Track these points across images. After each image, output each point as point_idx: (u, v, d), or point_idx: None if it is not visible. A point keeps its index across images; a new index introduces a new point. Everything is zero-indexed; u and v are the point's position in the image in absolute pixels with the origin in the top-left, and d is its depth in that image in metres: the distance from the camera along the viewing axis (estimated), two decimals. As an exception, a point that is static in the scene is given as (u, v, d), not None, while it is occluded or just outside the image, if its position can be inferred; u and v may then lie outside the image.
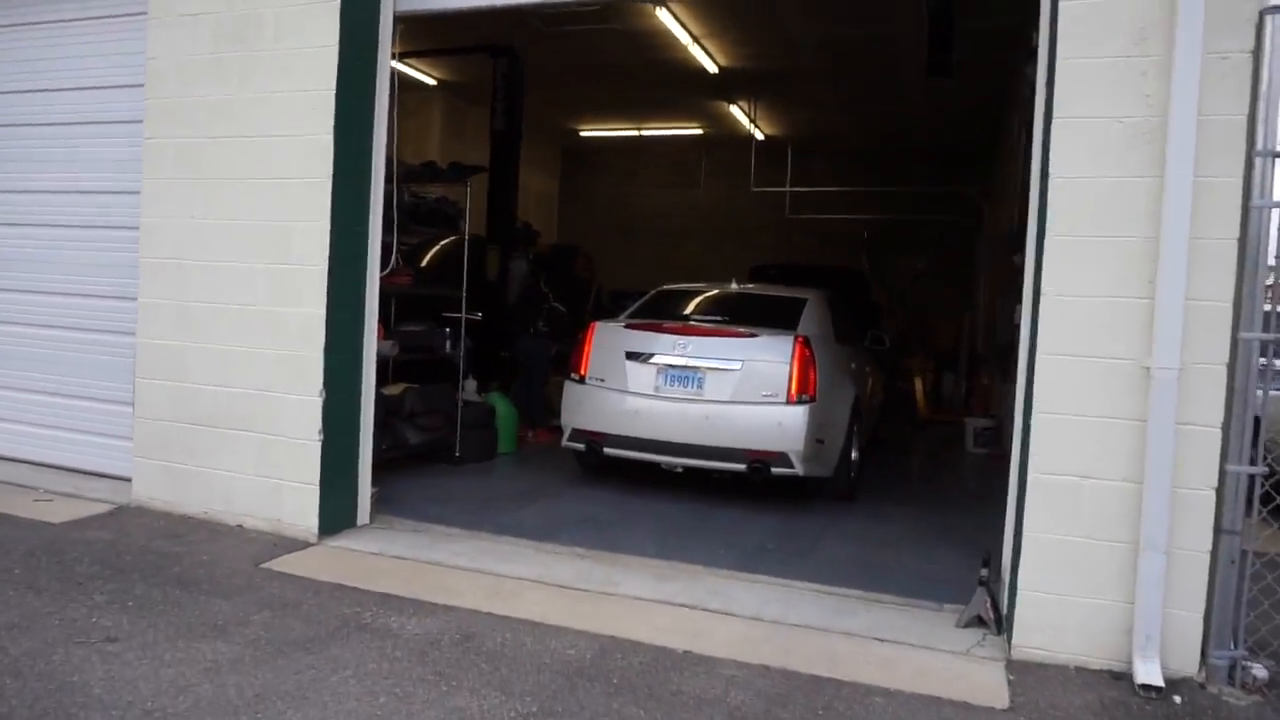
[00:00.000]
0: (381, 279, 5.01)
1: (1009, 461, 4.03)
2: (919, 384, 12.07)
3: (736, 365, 5.65)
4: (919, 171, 16.74)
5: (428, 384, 6.55)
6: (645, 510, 5.69)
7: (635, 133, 16.85)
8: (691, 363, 5.72)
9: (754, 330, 5.82)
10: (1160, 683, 3.27)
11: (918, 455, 9.36)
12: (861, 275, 12.05)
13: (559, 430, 9.03)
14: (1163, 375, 3.34)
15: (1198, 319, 3.33)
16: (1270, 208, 3.29)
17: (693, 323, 6.03)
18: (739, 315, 6.30)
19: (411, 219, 5.72)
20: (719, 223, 18.39)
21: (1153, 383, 3.36)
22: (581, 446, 5.98)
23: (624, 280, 15.29)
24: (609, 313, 13.07)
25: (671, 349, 5.78)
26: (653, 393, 5.78)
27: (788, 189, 17.08)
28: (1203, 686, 3.35)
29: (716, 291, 6.89)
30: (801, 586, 4.32)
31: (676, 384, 5.74)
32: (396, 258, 5.29)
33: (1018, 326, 4.17)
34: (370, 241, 4.93)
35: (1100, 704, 3.21)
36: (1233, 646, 3.36)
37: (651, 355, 5.83)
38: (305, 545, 4.61)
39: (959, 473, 8.24)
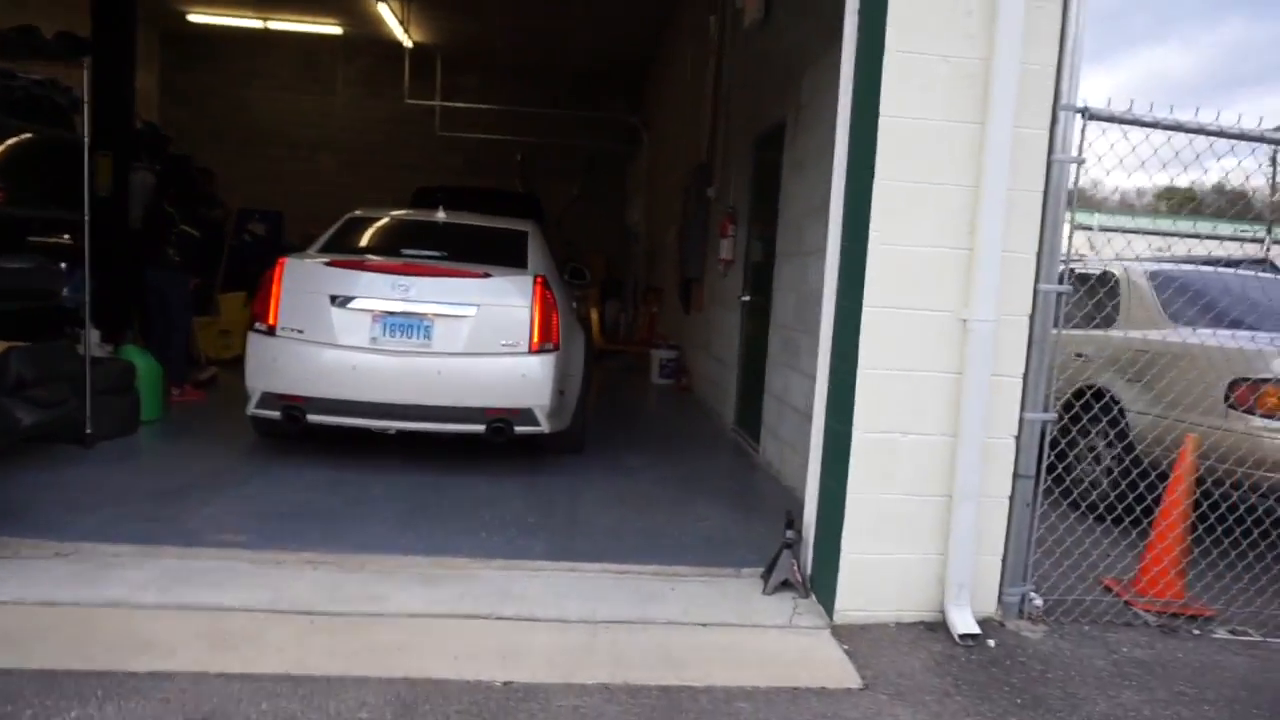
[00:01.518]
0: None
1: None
2: (594, 315, 12.00)
3: (470, 311, 4.85)
4: (574, 94, 16.49)
5: (37, 340, 4.78)
6: (367, 488, 4.73)
7: (259, 23, 14.32)
8: (417, 308, 4.80)
9: (487, 269, 5.03)
10: (975, 629, 3.34)
11: (609, 391, 9.24)
12: (537, 202, 11.50)
13: (209, 384, 7.48)
14: (980, 328, 3.31)
15: (1007, 271, 3.34)
16: (1070, 163, 3.36)
17: (412, 259, 5.05)
18: (456, 250, 5.44)
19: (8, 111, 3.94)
20: (359, 137, 16.58)
21: (970, 335, 3.32)
22: (276, 414, 4.78)
23: (246, 199, 13.14)
24: (250, 245, 11.07)
25: (391, 292, 4.79)
26: (369, 345, 4.77)
27: (438, 103, 15.84)
28: (1001, 624, 3.50)
29: (421, 220, 5.91)
30: (591, 569, 3.80)
31: (399, 334, 4.79)
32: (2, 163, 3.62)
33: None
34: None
35: (934, 661, 3.18)
36: (1023, 582, 3.54)
37: (365, 300, 4.79)
38: (-128, 606, 3.04)
39: (661, 409, 8.26)
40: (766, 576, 3.77)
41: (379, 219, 5.95)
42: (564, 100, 16.37)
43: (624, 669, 2.97)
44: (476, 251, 5.47)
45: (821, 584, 3.62)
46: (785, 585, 3.72)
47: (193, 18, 14.02)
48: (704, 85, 8.88)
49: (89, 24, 6.93)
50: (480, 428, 4.85)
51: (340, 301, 4.77)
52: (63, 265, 4.90)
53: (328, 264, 4.85)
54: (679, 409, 8.25)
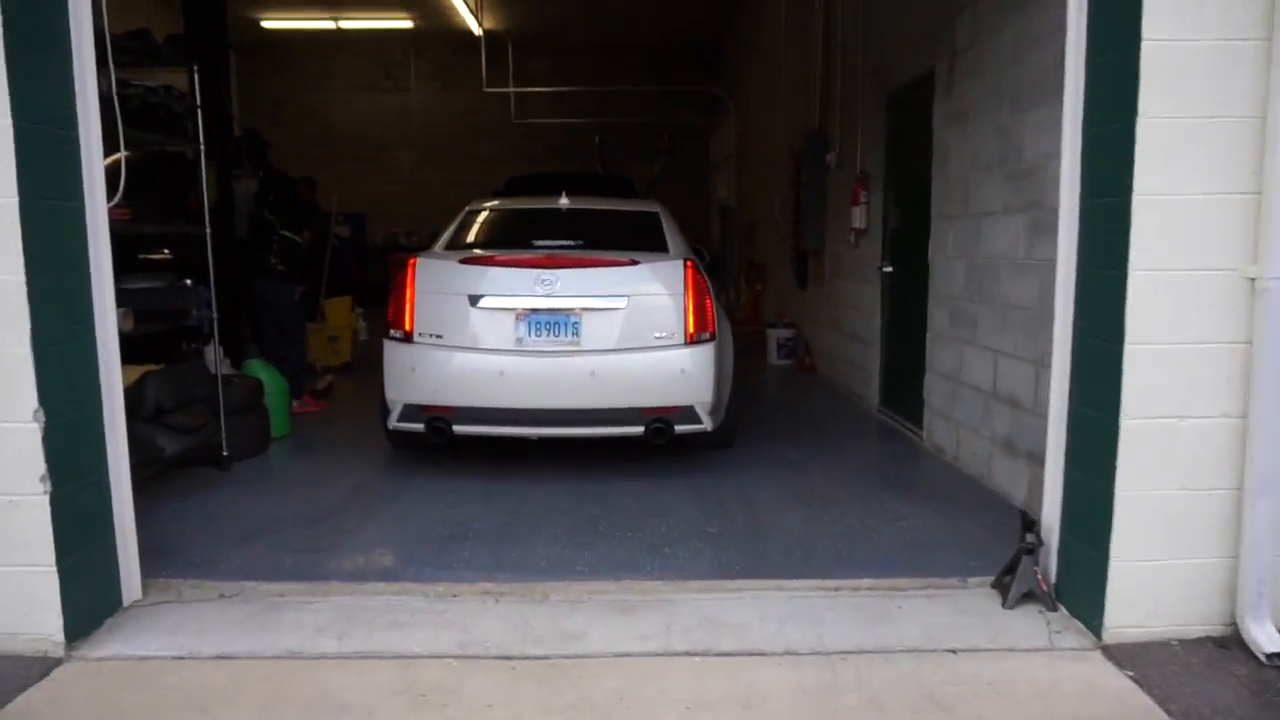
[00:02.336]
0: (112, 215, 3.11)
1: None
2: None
3: (620, 303, 4.45)
4: (649, 71, 16.00)
5: (173, 363, 4.55)
6: (523, 499, 4.38)
7: (331, 24, 14.22)
8: (563, 304, 4.41)
9: (632, 256, 4.61)
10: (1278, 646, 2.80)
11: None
12: (631, 184, 11.07)
13: (327, 393, 7.28)
14: (1274, 286, 2.75)
15: (1303, 216, 2.76)
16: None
17: (550, 250, 4.67)
18: (590, 238, 5.05)
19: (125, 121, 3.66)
20: (435, 131, 16.43)
21: (1262, 296, 2.76)
22: (420, 427, 4.46)
23: (326, 202, 13.02)
24: (336, 248, 10.89)
25: (534, 287, 4.41)
26: (515, 347, 4.40)
27: (513, 89, 15.51)
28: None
29: (545, 207, 5.52)
30: (800, 586, 3.37)
31: (545, 333, 4.41)
32: (125, 179, 3.33)
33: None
34: (85, 153, 2.99)
35: (1247, 690, 2.66)
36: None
37: (507, 298, 4.42)
38: (45, 666, 2.79)
39: (789, 392, 7.77)
40: (1002, 587, 3.29)
41: (500, 210, 5.60)
42: (640, 78, 15.89)
43: (884, 714, 2.54)
44: (611, 238, 5.08)
45: (1075, 595, 3.12)
46: (1028, 597, 3.23)
47: (267, 24, 13.94)
48: (810, 46, 8.29)
49: (177, 28, 6.74)
50: (638, 430, 4.45)
51: (480, 301, 4.41)
52: (188, 282, 4.65)
53: (463, 262, 4.49)
54: (808, 391, 7.74)
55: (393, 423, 4.50)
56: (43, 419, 2.77)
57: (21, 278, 2.72)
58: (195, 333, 5.12)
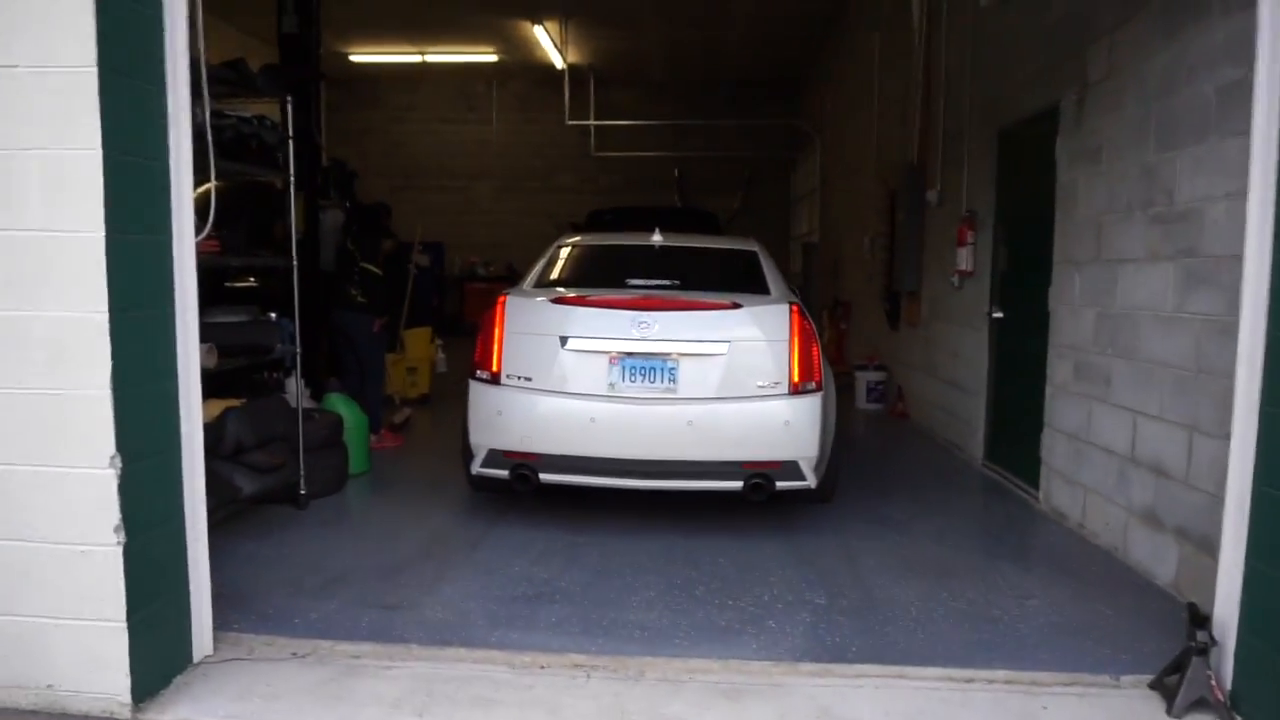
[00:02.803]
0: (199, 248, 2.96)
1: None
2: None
3: (722, 349, 4.16)
4: (731, 104, 15.81)
5: (253, 397, 4.42)
6: (610, 556, 4.09)
7: (417, 57, 14.42)
8: (660, 348, 4.14)
9: (734, 299, 4.33)
10: None
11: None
12: (715, 219, 10.84)
13: (405, 426, 7.15)
14: None
15: None
16: None
17: (646, 291, 4.41)
18: (686, 278, 4.79)
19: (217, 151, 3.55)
20: (515, 162, 16.49)
21: None
22: (504, 474, 4.22)
23: (407, 232, 13.08)
24: (430, 274, 10.84)
25: (630, 329, 4.15)
26: (608, 393, 4.14)
27: (593, 122, 15.48)
28: None
29: (638, 244, 5.28)
30: (927, 676, 2.99)
31: (640, 378, 4.14)
32: (215, 210, 3.19)
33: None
34: (175, 184, 2.85)
35: None
36: None
37: (600, 340, 4.17)
38: (110, 732, 2.59)
39: (882, 440, 7.34)
40: (1164, 689, 2.87)
41: (591, 245, 5.38)
42: (721, 111, 15.72)
43: None
44: (708, 278, 4.80)
45: (1259, 707, 2.67)
46: (1198, 705, 2.79)
47: (355, 57, 14.20)
48: (909, 79, 7.95)
49: (271, 59, 6.77)
50: (736, 485, 4.13)
51: (571, 343, 4.17)
52: (272, 316, 4.54)
53: (554, 301, 4.26)
54: (902, 440, 7.31)
55: (476, 468, 4.27)
56: (119, 465, 2.59)
57: (105, 317, 2.56)
58: (275, 365, 5.02)
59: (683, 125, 15.73)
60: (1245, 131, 3.29)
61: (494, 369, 4.24)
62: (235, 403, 4.22)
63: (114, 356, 2.58)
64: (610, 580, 3.78)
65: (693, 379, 4.12)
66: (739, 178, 16.25)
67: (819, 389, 4.25)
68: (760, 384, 4.14)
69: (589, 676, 2.96)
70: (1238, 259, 3.35)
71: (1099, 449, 4.46)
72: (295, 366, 4.61)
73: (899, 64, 8.46)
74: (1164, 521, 3.87)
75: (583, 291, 4.39)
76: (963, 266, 6.40)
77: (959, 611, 3.54)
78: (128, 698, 2.65)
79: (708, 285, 4.65)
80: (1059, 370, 4.94)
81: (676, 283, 4.69)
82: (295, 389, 4.77)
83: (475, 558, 4.05)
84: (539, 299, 4.31)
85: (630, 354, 4.14)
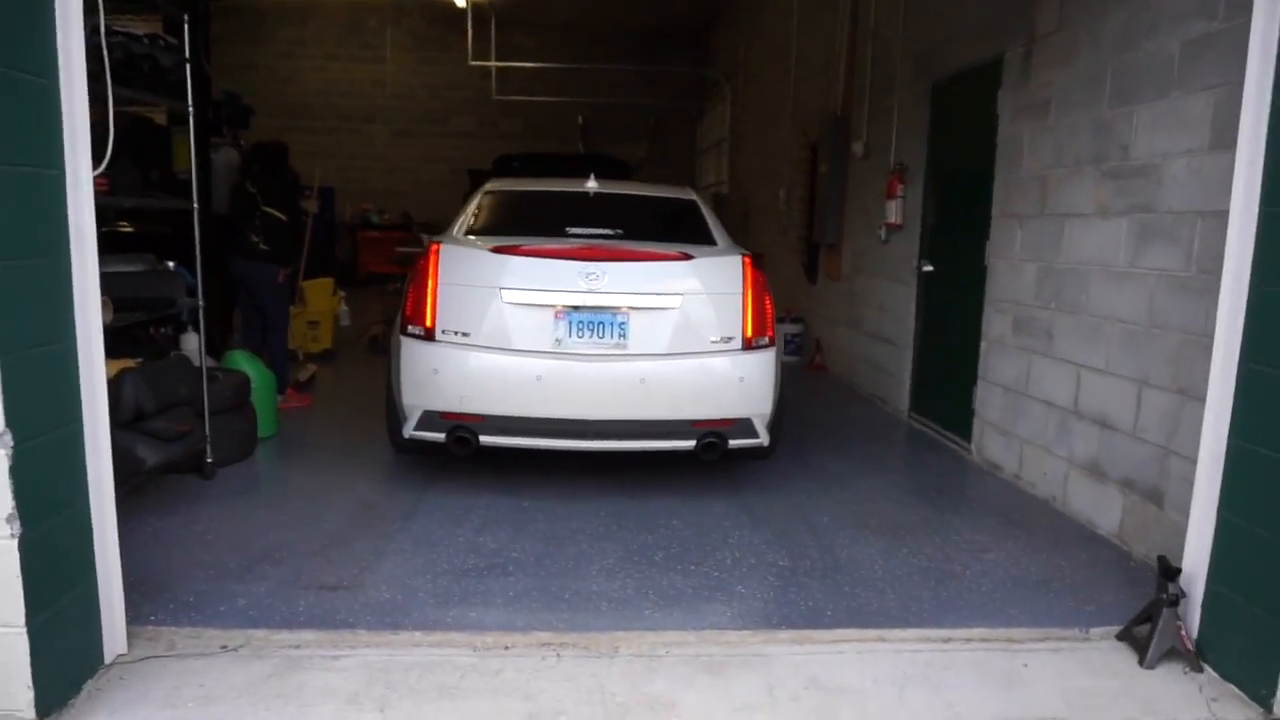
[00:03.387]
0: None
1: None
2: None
3: (674, 302, 3.94)
4: (636, 51, 15.40)
5: (148, 357, 3.93)
6: (559, 522, 3.87)
7: (304, -15, 13.35)
8: (609, 301, 3.89)
9: (684, 249, 4.11)
10: None
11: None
12: (629, 167, 10.52)
13: (309, 384, 6.64)
14: None
15: None
16: None
17: (592, 241, 4.14)
18: (627, 227, 4.54)
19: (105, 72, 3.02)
20: (411, 104, 15.64)
21: None
22: (440, 437, 3.91)
23: (307, 174, 12.25)
24: (321, 221, 10.12)
25: (577, 281, 3.87)
26: (554, 349, 3.87)
27: (494, 63, 14.78)
28: None
29: (572, 192, 4.98)
30: (905, 638, 2.93)
31: (588, 334, 3.89)
32: (114, 139, 2.72)
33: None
34: (68, 107, 2.40)
35: None
36: None
37: (546, 293, 3.88)
38: (12, 751, 2.22)
39: (806, 392, 7.31)
40: (1133, 640, 2.91)
41: (523, 192, 5.05)
42: (626, 57, 15.29)
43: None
44: (650, 228, 4.57)
45: (1230, 657, 2.72)
46: (1169, 653, 2.82)
47: (236, -17, 13.03)
48: (833, 30, 7.82)
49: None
50: (689, 444, 3.96)
51: (514, 296, 3.87)
52: (169, 265, 4.03)
53: (494, 250, 3.93)
54: (825, 393, 7.31)
55: (409, 431, 3.94)
56: (10, 443, 2.18)
57: (-18, 261, 2.13)
58: (167, 320, 4.51)
59: (587, 70, 15.21)
60: (1213, 87, 3.29)
61: (427, 324, 3.90)
62: (130, 363, 3.74)
63: (-1, 312, 2.15)
64: (564, 548, 3.56)
65: (643, 334, 3.90)
66: (644, 126, 15.94)
67: (772, 344, 4.11)
68: (713, 339, 3.96)
69: (559, 656, 2.75)
70: (1199, 214, 3.38)
71: (1038, 402, 4.51)
72: (199, 321, 4.13)
73: (821, 14, 8.32)
74: (1108, 473, 3.93)
75: (520, 241, 4.07)
76: (891, 219, 6.38)
77: (922, 569, 3.50)
78: (31, 712, 2.28)
79: (650, 235, 4.42)
80: (995, 324, 4.97)
81: (619, 232, 4.44)
82: (198, 346, 4.29)
83: (412, 528, 3.75)
84: (476, 248, 3.97)
85: (577, 307, 3.88)
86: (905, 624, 3.02)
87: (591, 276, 3.85)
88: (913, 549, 3.70)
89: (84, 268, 2.49)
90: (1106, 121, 3.96)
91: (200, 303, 4.11)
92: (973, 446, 5.21)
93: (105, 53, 2.75)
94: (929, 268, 5.94)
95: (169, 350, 4.75)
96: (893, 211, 6.35)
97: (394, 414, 4.45)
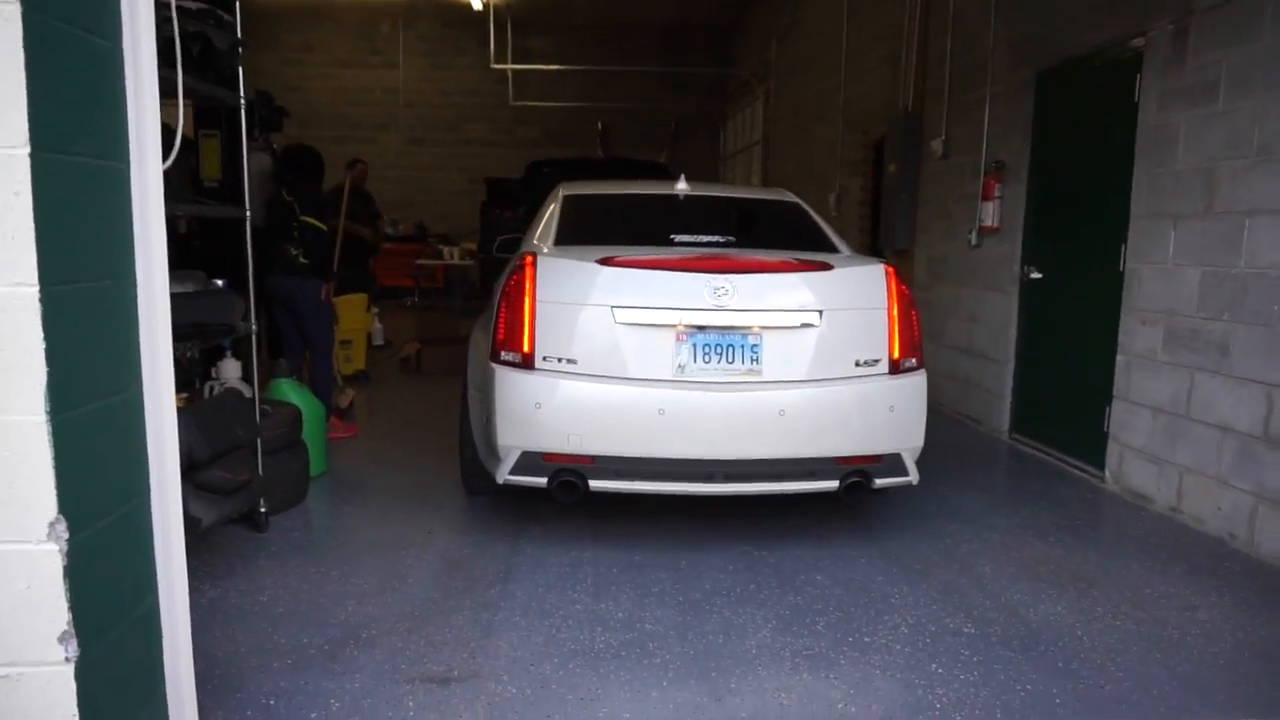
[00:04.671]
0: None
1: None
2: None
3: (813, 318, 3.37)
4: (655, 52, 14.90)
5: (203, 393, 3.34)
6: (685, 582, 3.28)
7: (315, -12, 12.83)
8: (739, 320, 3.32)
9: (824, 259, 3.56)
10: None
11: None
12: (668, 173, 9.99)
13: (349, 412, 6.05)
14: None
15: None
16: None
17: (711, 250, 3.58)
18: (738, 235, 4.02)
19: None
20: (424, 111, 15.12)
21: None
22: (542, 481, 3.33)
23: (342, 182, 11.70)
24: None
25: (701, 297, 3.30)
26: (676, 377, 3.30)
27: (510, 66, 14.26)
28: None
29: (659, 193, 4.43)
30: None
31: (716, 357, 3.32)
32: (181, 132, 2.17)
33: None
34: (134, 84, 1.83)
35: None
36: None
37: (664, 312, 3.31)
38: None
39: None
40: None
41: (606, 195, 4.48)
42: (646, 60, 14.79)
43: None
44: (761, 234, 4.06)
45: None
46: None
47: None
48: (896, 19, 7.29)
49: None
50: (832, 485, 3.39)
51: (629, 316, 3.30)
52: (218, 283, 3.45)
53: (602, 262, 3.36)
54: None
55: (504, 476, 3.36)
56: (65, 535, 1.60)
57: (33, 293, 1.54)
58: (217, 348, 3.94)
59: (606, 73, 14.72)
60: None
61: (525, 349, 3.32)
62: (187, 402, 3.15)
63: (50, 358, 1.57)
64: (706, 617, 2.98)
65: (780, 358, 3.33)
66: (666, 131, 15.39)
67: (920, 366, 3.55)
68: (858, 362, 3.40)
69: (751, 773, 2.17)
70: None
71: (1206, 425, 3.95)
72: (253, 348, 3.55)
73: (881, 5, 7.79)
74: (1320, 512, 3.38)
75: (623, 251, 3.49)
76: (988, 222, 5.83)
77: (1133, 634, 2.93)
78: None
79: (764, 243, 3.88)
80: (1139, 337, 4.41)
81: (731, 239, 3.89)
82: (237, 375, 3.72)
83: (516, 593, 3.16)
84: (579, 260, 3.39)
85: (702, 327, 3.30)
86: (1156, 715, 2.45)
87: (720, 291, 3.28)
88: (1106, 607, 3.13)
89: (152, 291, 1.91)
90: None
91: (253, 326, 3.53)
92: (1107, 474, 4.65)
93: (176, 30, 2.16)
94: (1037, 275, 5.39)
95: (196, 380, 4.15)
96: (989, 214, 5.80)
97: (469, 452, 3.89)
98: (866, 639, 2.86)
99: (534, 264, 3.38)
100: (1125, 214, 4.50)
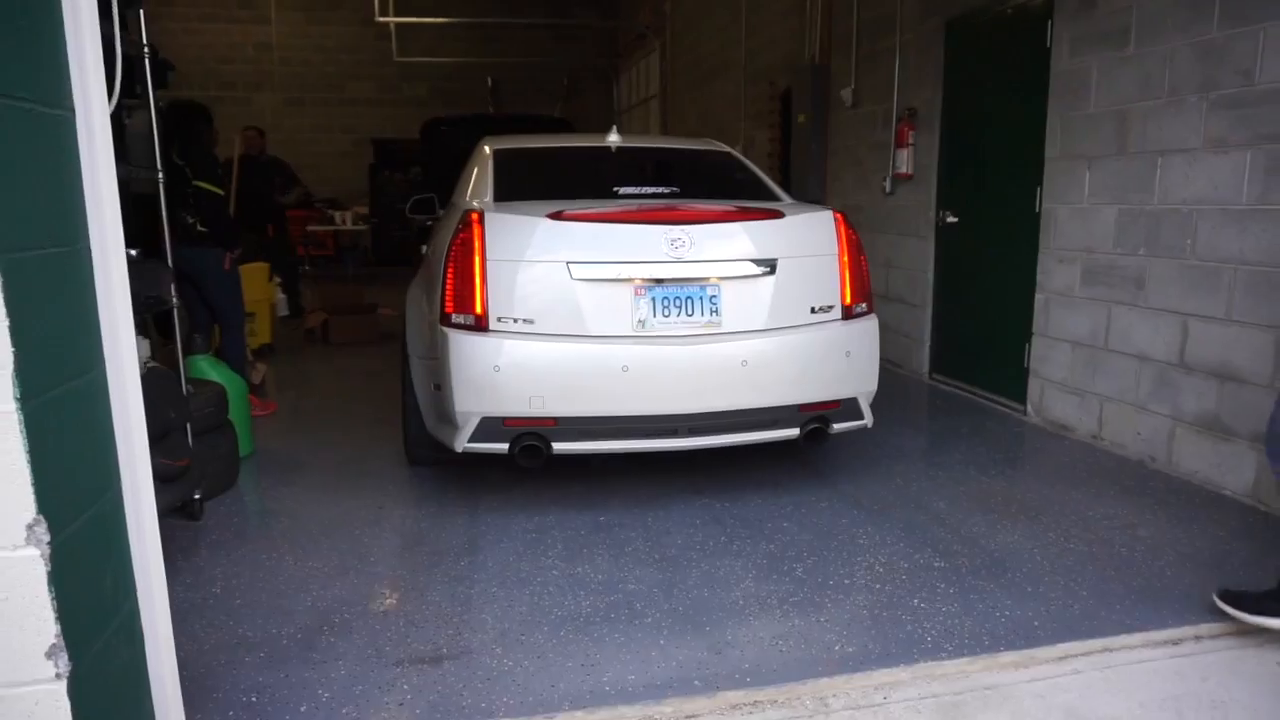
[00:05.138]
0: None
1: None
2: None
3: (766, 268, 3.36)
4: (544, 3, 14.48)
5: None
6: (657, 541, 3.26)
7: (173, -66, 11.83)
8: (697, 271, 3.27)
9: (774, 208, 3.54)
10: None
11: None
12: (572, 127, 9.75)
13: (261, 387, 5.69)
14: None
15: None
16: None
17: (669, 202, 3.51)
18: (680, 185, 3.95)
19: None
20: (302, 69, 14.30)
21: None
22: (502, 447, 3.22)
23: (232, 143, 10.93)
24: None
25: (658, 249, 3.23)
26: (637, 332, 3.23)
27: (393, 19, 13.59)
28: None
29: (590, 146, 4.30)
30: (1132, 645, 2.52)
31: (676, 310, 3.26)
32: (122, 72, 1.93)
33: None
34: (75, 30, 1.61)
35: None
36: None
37: (622, 265, 3.23)
38: None
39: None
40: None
41: (541, 149, 4.32)
42: (534, 12, 14.37)
43: None
44: (701, 184, 3.98)
45: None
46: None
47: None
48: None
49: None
50: (793, 432, 3.42)
51: (585, 271, 3.20)
52: (132, 252, 3.14)
53: (553, 217, 3.23)
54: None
55: (462, 443, 3.23)
56: (46, 538, 1.42)
57: (-8, 260, 1.34)
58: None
59: (495, 26, 14.25)
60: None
61: (477, 310, 3.18)
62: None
63: (15, 337, 1.37)
64: (685, 572, 2.97)
65: (738, 308, 3.31)
66: (558, 86, 15.10)
67: (870, 310, 3.60)
68: (812, 309, 3.41)
69: (767, 718, 2.17)
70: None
71: (1124, 356, 4.18)
72: (174, 324, 3.27)
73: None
74: (1234, 428, 3.63)
75: (569, 205, 3.37)
76: (902, 170, 5.97)
77: (1086, 555, 3.09)
78: None
79: (706, 193, 3.83)
80: (1056, 275, 4.62)
81: (676, 190, 3.83)
82: (176, 356, 3.44)
83: (487, 564, 3.06)
84: (533, 216, 3.25)
85: (660, 280, 3.24)
86: (1124, 628, 2.59)
87: (678, 243, 3.22)
88: (1059, 532, 3.29)
89: (106, 255, 1.71)
90: (1217, 47, 3.60)
91: (175, 300, 3.25)
92: (1029, 407, 4.88)
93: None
94: (952, 219, 5.56)
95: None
96: (903, 161, 5.93)
97: (414, 421, 3.73)
98: (846, 580, 2.91)
99: (481, 221, 3.23)
100: (1039, 157, 4.67)
